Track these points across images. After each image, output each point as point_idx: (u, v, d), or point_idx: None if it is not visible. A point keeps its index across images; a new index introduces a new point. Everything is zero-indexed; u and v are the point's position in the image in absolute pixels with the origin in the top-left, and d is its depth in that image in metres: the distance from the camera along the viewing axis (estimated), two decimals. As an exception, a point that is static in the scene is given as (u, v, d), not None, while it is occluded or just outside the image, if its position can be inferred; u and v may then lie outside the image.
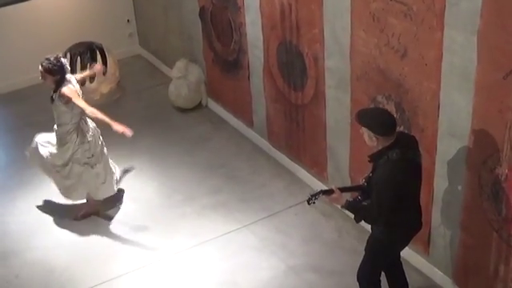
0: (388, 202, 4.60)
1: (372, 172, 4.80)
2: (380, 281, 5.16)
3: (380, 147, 4.64)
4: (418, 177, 4.80)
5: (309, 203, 4.86)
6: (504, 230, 4.93)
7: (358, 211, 4.84)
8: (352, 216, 4.95)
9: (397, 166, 4.57)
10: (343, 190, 4.94)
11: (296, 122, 6.88)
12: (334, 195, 4.82)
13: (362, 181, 4.93)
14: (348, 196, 4.98)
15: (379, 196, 4.63)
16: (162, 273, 6.07)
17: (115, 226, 6.64)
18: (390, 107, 5.49)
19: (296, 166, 7.13)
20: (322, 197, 4.88)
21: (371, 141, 4.66)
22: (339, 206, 4.85)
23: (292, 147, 7.12)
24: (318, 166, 6.79)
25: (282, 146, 7.28)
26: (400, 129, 5.35)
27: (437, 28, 4.88)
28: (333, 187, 4.88)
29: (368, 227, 5.17)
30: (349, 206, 4.82)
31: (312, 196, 4.83)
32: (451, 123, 5.07)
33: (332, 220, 6.48)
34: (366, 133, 4.66)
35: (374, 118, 4.67)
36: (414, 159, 4.75)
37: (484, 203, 5.02)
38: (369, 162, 4.80)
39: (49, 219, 6.76)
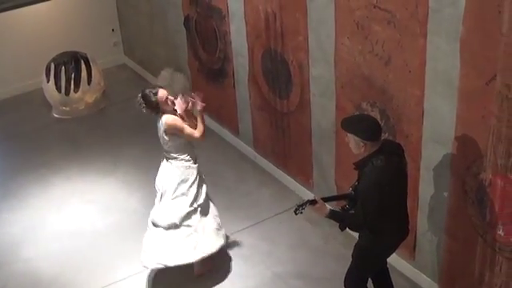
0: (373, 209, 4.61)
1: (358, 180, 4.82)
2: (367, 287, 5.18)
3: (366, 154, 4.65)
4: (403, 183, 4.81)
5: (296, 213, 4.87)
6: (488, 235, 4.97)
7: (342, 220, 4.85)
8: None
9: (382, 173, 4.58)
10: (329, 199, 4.97)
11: (281, 129, 6.90)
12: (317, 205, 4.83)
13: (349, 189, 4.94)
14: (334, 205, 4.99)
15: (364, 203, 4.64)
16: (149, 282, 6.04)
17: (101, 236, 6.61)
18: (375, 114, 5.52)
19: (282, 173, 7.14)
20: (309, 206, 4.91)
21: (358, 147, 4.65)
22: (323, 216, 4.86)
23: (278, 155, 7.13)
24: (303, 174, 6.81)
25: (268, 154, 7.29)
26: (385, 135, 5.38)
27: (420, 35, 4.92)
28: (316, 197, 4.91)
29: (355, 233, 5.19)
30: (332, 215, 4.82)
31: (299, 206, 4.85)
32: (435, 129, 5.10)
33: (318, 227, 6.49)
34: (352, 140, 4.65)
35: (359, 124, 4.67)
36: (399, 166, 4.77)
37: (469, 208, 5.06)
38: (354, 169, 4.82)
39: (35, 230, 6.72)
